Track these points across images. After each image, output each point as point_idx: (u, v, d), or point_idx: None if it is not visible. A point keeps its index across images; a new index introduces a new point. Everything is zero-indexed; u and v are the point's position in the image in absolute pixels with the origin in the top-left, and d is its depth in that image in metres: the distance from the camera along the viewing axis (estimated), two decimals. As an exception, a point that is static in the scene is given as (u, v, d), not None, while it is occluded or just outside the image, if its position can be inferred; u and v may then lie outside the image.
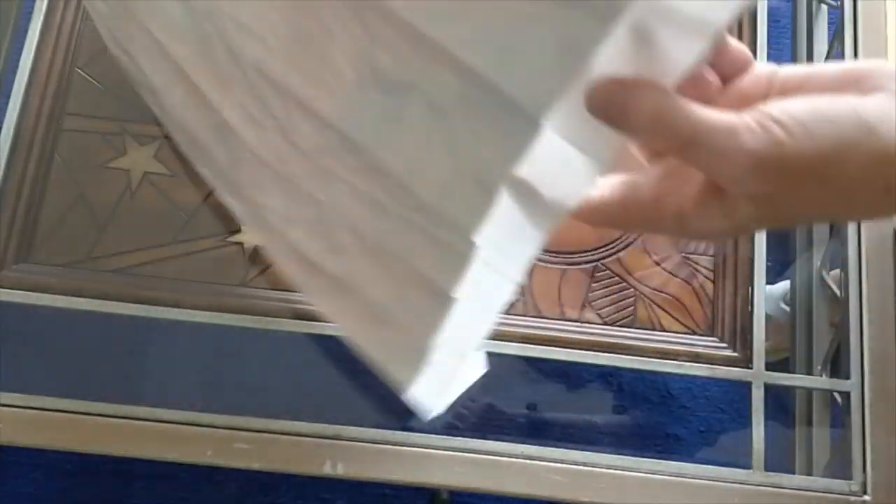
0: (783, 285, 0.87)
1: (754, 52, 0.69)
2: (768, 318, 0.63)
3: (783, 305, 0.80)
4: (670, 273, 0.64)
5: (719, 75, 0.32)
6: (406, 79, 0.30)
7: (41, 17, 0.67)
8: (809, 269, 0.74)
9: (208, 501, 1.01)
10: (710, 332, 0.63)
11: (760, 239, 0.65)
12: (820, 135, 0.27)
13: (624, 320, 0.63)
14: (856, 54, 0.70)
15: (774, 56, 0.74)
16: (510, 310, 0.63)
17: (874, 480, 0.60)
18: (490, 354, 0.62)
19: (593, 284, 0.64)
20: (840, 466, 0.62)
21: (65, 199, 0.64)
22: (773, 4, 0.73)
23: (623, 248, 0.65)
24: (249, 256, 0.63)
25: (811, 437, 0.67)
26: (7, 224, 0.62)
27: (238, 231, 0.64)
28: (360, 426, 0.59)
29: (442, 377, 0.40)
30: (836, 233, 0.69)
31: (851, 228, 0.66)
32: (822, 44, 0.74)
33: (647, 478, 0.59)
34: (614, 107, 0.29)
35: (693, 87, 0.31)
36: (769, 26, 0.70)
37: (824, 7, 0.74)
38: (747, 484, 0.59)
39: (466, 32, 0.28)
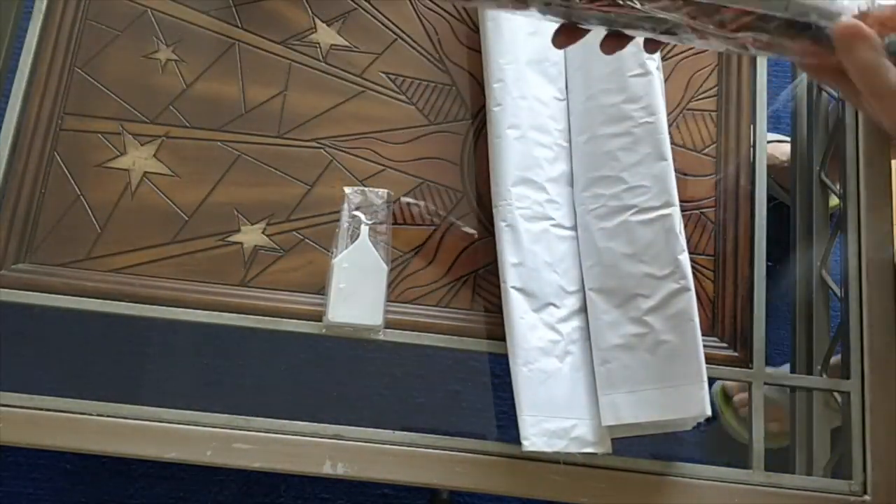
0: (784, 369, 0.82)
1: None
2: (769, 400, 0.62)
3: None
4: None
5: None
6: None
7: (41, 17, 0.67)
8: (809, 269, 0.74)
9: (208, 501, 1.01)
10: (711, 332, 0.63)
11: (760, 239, 0.65)
12: None
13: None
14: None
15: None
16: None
17: (874, 480, 0.60)
18: (488, 354, 0.62)
19: (593, 284, 0.64)
20: (840, 466, 0.62)
21: (65, 199, 0.64)
22: (773, 4, 0.73)
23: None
24: (249, 256, 0.63)
25: (811, 437, 0.67)
26: (7, 224, 0.63)
27: (238, 231, 0.64)
28: (360, 426, 0.59)
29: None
30: (837, 232, 0.69)
31: (851, 228, 0.66)
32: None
33: (648, 478, 0.59)
34: (847, 41, 0.38)
35: None
36: (769, 26, 0.70)
37: (824, 7, 0.74)
38: (747, 484, 0.59)
39: None
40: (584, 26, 0.44)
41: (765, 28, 0.41)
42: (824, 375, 0.67)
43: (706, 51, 0.70)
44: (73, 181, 0.64)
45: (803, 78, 0.82)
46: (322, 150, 0.66)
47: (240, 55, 0.68)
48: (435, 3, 0.70)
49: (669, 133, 0.59)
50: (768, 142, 0.68)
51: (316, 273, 0.63)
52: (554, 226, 0.61)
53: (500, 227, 0.60)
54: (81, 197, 0.64)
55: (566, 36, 0.45)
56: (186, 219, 0.64)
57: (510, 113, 0.61)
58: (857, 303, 0.64)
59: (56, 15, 0.67)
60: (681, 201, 0.59)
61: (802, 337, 0.73)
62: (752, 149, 0.68)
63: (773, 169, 0.69)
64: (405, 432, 0.59)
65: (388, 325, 0.61)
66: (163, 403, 0.59)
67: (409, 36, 0.69)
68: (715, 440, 1.05)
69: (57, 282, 0.61)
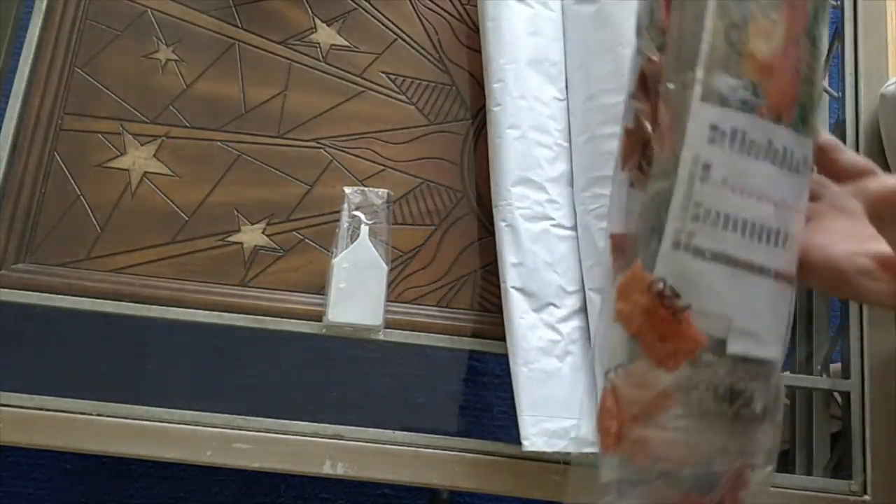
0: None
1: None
2: None
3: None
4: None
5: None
6: None
7: (41, 17, 0.67)
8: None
9: (208, 501, 1.01)
10: (710, 332, 0.63)
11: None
12: None
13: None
14: (856, 54, 0.70)
15: (774, 56, 0.74)
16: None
17: (874, 480, 0.60)
18: (488, 354, 0.62)
19: (593, 284, 0.64)
20: (840, 466, 0.62)
21: (65, 199, 0.64)
22: (773, 4, 0.73)
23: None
24: (249, 256, 0.63)
25: (811, 437, 0.67)
26: (7, 224, 0.63)
27: (238, 231, 0.64)
28: (360, 426, 0.59)
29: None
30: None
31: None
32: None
33: (647, 478, 0.59)
34: None
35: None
36: (769, 26, 0.70)
37: (824, 7, 0.74)
38: (747, 484, 0.59)
39: None
40: None
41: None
42: (824, 375, 0.67)
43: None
44: (73, 181, 0.64)
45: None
46: (322, 150, 0.66)
47: (240, 55, 0.68)
48: (435, 3, 0.70)
49: (669, 133, 0.59)
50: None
51: (316, 273, 0.63)
52: (554, 226, 0.61)
53: (500, 227, 0.60)
54: (81, 197, 0.64)
55: None
56: (186, 219, 0.64)
57: (510, 113, 0.61)
58: (858, 303, 0.64)
59: (56, 15, 0.67)
60: (681, 201, 0.59)
61: (802, 337, 0.73)
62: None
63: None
64: (405, 432, 0.59)
65: (388, 325, 0.61)
66: (163, 403, 0.59)
67: (409, 36, 0.69)
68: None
69: (57, 282, 0.61)
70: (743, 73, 0.32)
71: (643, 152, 0.34)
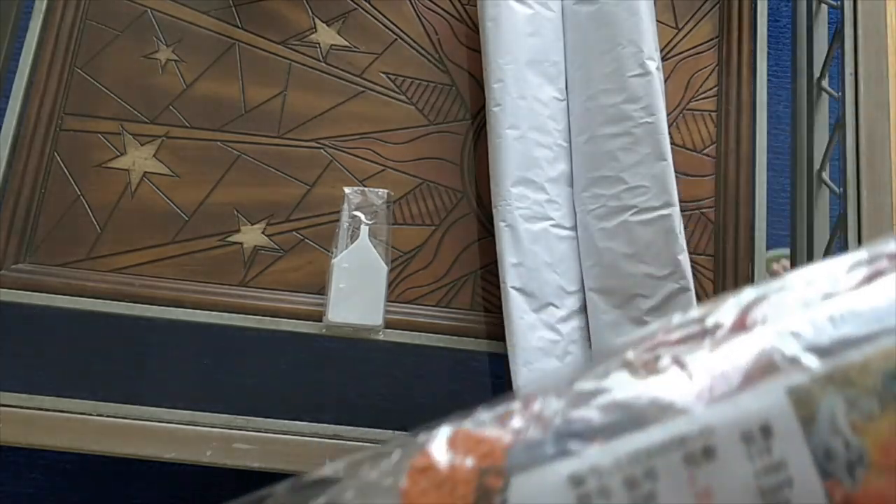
0: None
1: (754, 52, 0.69)
2: None
3: None
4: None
5: None
6: None
7: (41, 17, 0.67)
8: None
9: (208, 501, 1.01)
10: (710, 332, 0.63)
11: (760, 237, 0.65)
12: None
13: (624, 320, 0.63)
14: (856, 54, 0.69)
15: (774, 56, 0.74)
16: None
17: (874, 480, 0.60)
18: (488, 354, 0.62)
19: (593, 284, 0.64)
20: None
21: (65, 199, 0.64)
22: (773, 4, 0.73)
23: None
24: (249, 256, 0.63)
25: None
26: (7, 224, 0.63)
27: (238, 231, 0.64)
28: (360, 426, 0.59)
29: None
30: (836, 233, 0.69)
31: (852, 218, 0.66)
32: (822, 44, 0.74)
33: (647, 478, 0.59)
34: None
35: None
36: (769, 26, 0.70)
37: (824, 7, 0.74)
38: (747, 484, 0.59)
39: None
40: None
41: None
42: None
43: (706, 51, 0.70)
44: (73, 181, 0.64)
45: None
46: (322, 150, 0.66)
47: (240, 55, 0.68)
48: (435, 3, 0.70)
49: (669, 133, 0.59)
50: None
51: (316, 273, 0.63)
52: (554, 226, 0.61)
53: (500, 227, 0.60)
54: (81, 197, 0.64)
55: None
56: (186, 219, 0.64)
57: (510, 113, 0.61)
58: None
59: (56, 15, 0.67)
60: (681, 201, 0.59)
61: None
62: (752, 149, 0.68)
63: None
64: (405, 432, 0.59)
65: (388, 325, 0.61)
66: (163, 403, 0.59)
67: (409, 36, 0.69)
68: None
69: (57, 282, 0.61)
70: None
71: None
